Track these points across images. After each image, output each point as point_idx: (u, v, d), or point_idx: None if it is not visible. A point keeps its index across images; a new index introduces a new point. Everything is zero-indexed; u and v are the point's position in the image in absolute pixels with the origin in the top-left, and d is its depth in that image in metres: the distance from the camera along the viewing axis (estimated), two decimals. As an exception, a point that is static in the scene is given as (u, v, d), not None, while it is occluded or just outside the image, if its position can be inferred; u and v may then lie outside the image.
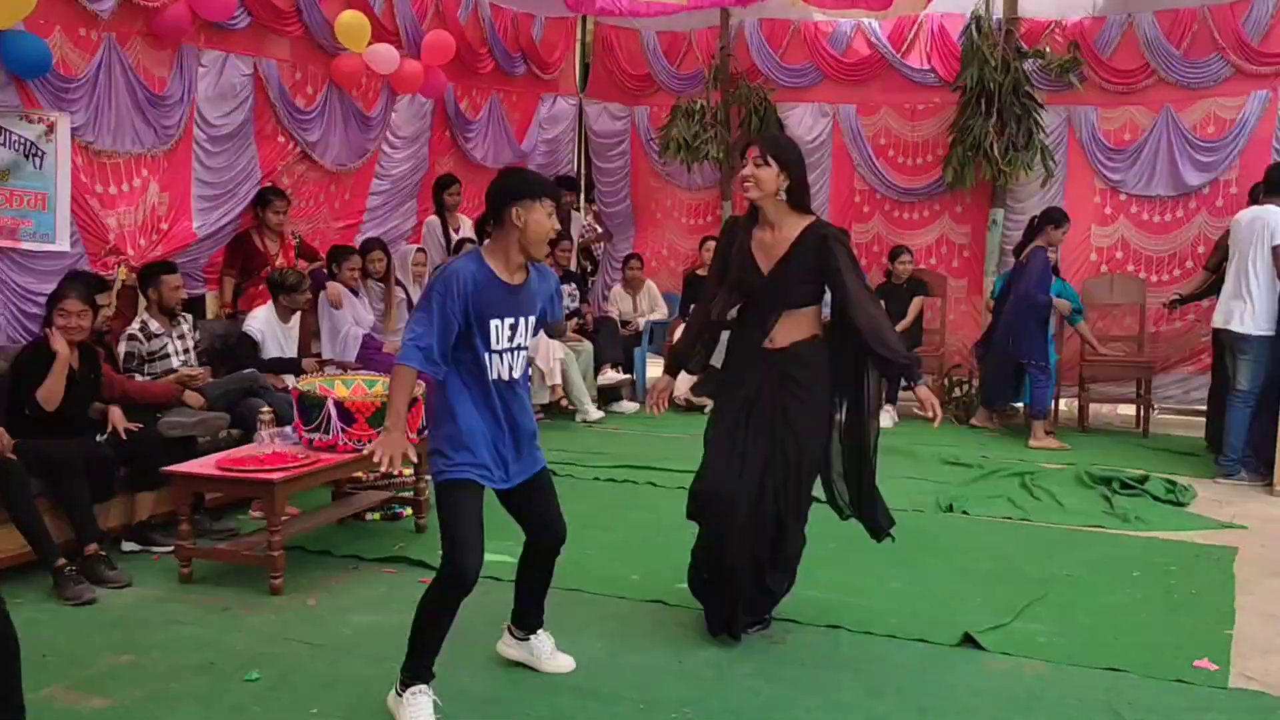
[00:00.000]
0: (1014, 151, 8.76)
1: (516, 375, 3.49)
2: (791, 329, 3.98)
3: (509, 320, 3.42)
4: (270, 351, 6.45)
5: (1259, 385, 6.63)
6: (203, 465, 4.95)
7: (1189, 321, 8.71)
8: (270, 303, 6.56)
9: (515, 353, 3.47)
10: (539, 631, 3.87)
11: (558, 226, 3.52)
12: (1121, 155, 8.91)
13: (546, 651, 3.87)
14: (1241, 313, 6.67)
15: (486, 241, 3.50)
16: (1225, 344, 6.88)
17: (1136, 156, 8.88)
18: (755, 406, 3.97)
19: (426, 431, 3.77)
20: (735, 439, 3.98)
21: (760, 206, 3.96)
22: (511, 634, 3.88)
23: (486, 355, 3.39)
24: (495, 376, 3.42)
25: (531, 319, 3.52)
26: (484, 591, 3.68)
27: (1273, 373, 6.62)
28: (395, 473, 3.59)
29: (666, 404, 4.26)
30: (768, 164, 3.91)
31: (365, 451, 3.54)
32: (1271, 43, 8.29)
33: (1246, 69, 8.40)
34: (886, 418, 8.55)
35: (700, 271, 9.67)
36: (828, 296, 4.00)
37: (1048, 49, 8.92)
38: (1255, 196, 7.44)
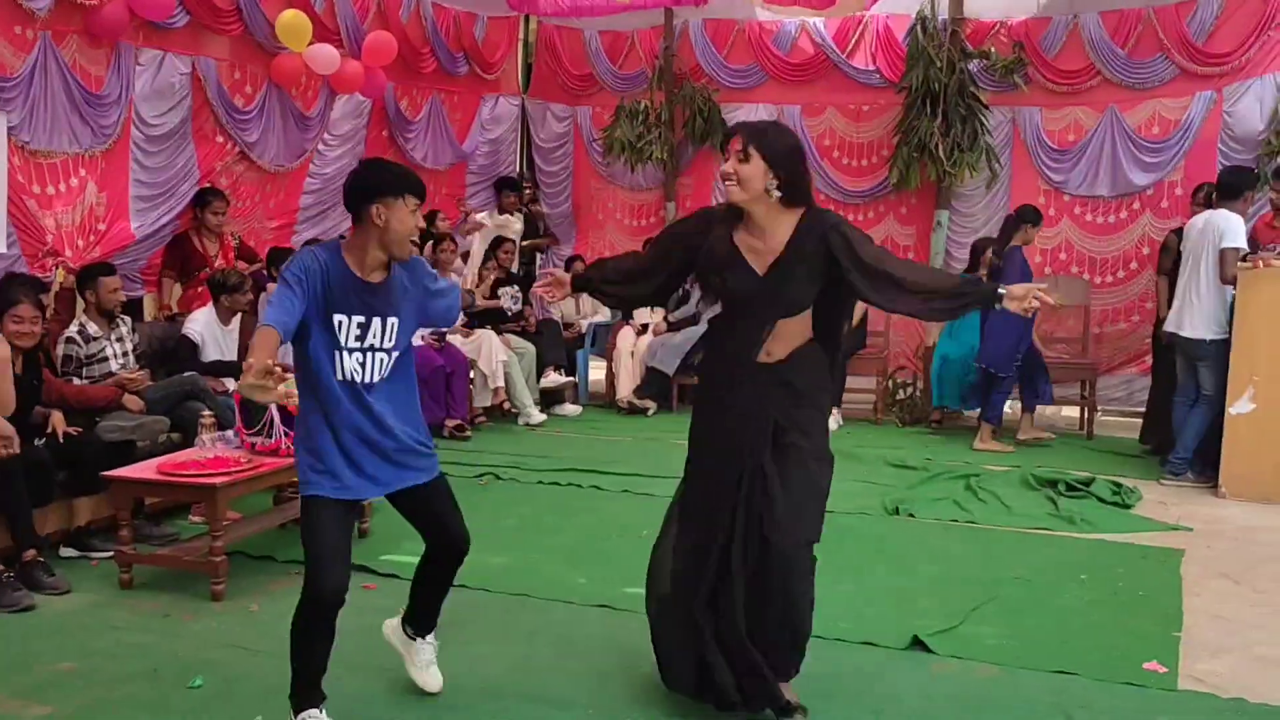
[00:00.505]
0: (959, 152, 8.81)
1: (375, 379, 3.26)
2: (789, 337, 3.38)
3: (358, 319, 3.20)
4: (210, 354, 6.34)
5: (1223, 388, 6.57)
6: (143, 470, 4.88)
7: (1133, 323, 8.79)
8: (210, 304, 6.45)
9: (370, 354, 3.24)
10: (428, 637, 3.72)
11: (422, 225, 3.31)
12: (1066, 156, 8.99)
13: (423, 660, 3.69)
14: (1193, 318, 6.69)
15: (344, 238, 3.30)
16: (1181, 350, 6.85)
17: (1080, 157, 8.95)
18: (744, 440, 3.36)
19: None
20: (714, 513, 3.37)
21: (746, 209, 3.30)
22: (405, 627, 3.72)
23: (335, 353, 3.18)
24: (344, 378, 3.20)
25: (392, 320, 3.27)
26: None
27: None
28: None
29: (550, 294, 3.72)
30: (752, 158, 3.23)
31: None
32: (1216, 43, 8.36)
33: (1191, 69, 8.47)
34: (831, 420, 8.61)
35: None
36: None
37: (993, 50, 8.96)
38: (1198, 198, 7.54)
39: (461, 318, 8.38)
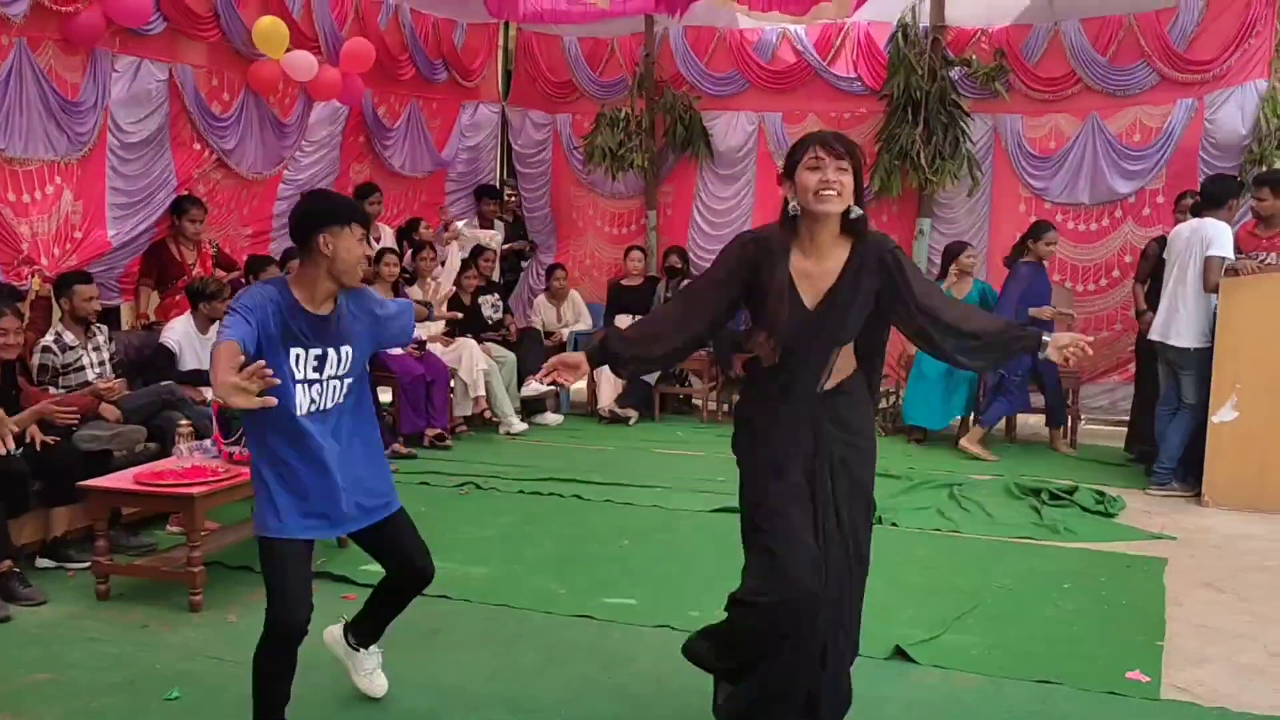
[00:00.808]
0: (941, 160, 8.79)
1: (328, 407, 3.25)
2: (840, 369, 3.14)
3: (314, 351, 3.20)
4: (188, 363, 6.28)
5: (1206, 398, 6.57)
6: (119, 480, 4.86)
7: (1116, 331, 8.78)
8: (188, 313, 6.40)
9: (326, 384, 3.23)
10: (371, 647, 3.71)
11: (369, 252, 3.32)
12: (1047, 163, 8.97)
13: (367, 668, 3.69)
14: (1179, 326, 6.69)
15: (290, 270, 3.30)
16: (1165, 358, 6.85)
17: (1062, 164, 8.91)
18: (816, 475, 3.10)
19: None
20: (801, 518, 3.08)
21: (818, 226, 3.03)
22: (346, 636, 3.70)
23: (294, 386, 3.15)
24: (304, 411, 3.18)
25: (346, 350, 3.27)
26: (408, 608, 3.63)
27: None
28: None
29: (564, 380, 3.24)
30: (847, 170, 2.99)
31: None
32: (1197, 51, 8.35)
33: (1172, 77, 8.46)
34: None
35: (626, 281, 9.67)
36: None
37: (974, 57, 8.92)
38: (1181, 206, 7.55)
39: (443, 326, 8.37)
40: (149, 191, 6.84)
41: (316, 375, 3.20)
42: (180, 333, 6.33)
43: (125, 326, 6.82)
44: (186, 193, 7.04)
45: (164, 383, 6.00)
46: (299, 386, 3.16)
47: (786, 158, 3.14)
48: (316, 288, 3.21)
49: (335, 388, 3.26)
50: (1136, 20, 8.54)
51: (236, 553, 5.21)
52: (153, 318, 6.84)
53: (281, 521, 3.17)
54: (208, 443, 5.19)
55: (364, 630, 3.67)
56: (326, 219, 3.19)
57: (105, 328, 5.94)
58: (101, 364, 5.77)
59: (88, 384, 5.60)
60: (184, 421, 5.33)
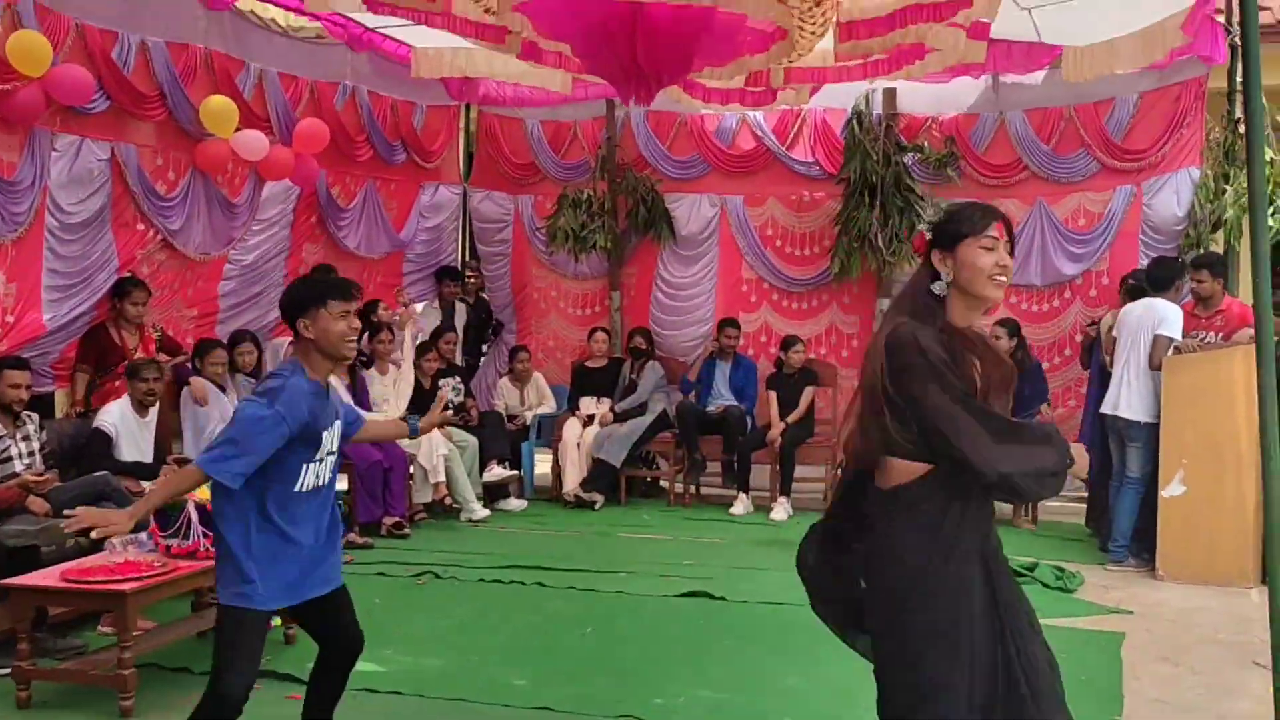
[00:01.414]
0: (898, 242, 8.87)
1: (324, 483, 3.39)
2: None
3: (330, 428, 3.39)
4: (124, 449, 6.04)
5: (1150, 472, 6.79)
6: (46, 577, 4.62)
7: (1070, 407, 8.84)
8: (125, 396, 6.19)
9: (327, 459, 3.38)
10: None
11: (355, 325, 3.40)
12: (999, 245, 9.07)
13: None
14: (1131, 399, 6.86)
15: (294, 349, 3.44)
16: (1114, 431, 7.04)
17: (1012, 247, 8.99)
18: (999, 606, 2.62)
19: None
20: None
21: (972, 312, 2.73)
22: None
23: (305, 465, 3.28)
24: (302, 487, 3.30)
25: (339, 425, 3.45)
26: (357, 703, 3.51)
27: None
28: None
29: None
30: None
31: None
32: (1133, 140, 8.58)
33: (1111, 165, 8.68)
34: (780, 510, 8.46)
35: (590, 363, 9.55)
36: None
37: (926, 144, 9.11)
38: (1125, 287, 7.72)
39: (401, 410, 8.20)
40: (88, 273, 6.65)
41: (329, 451, 3.39)
42: (117, 416, 6.11)
43: (59, 414, 6.57)
44: (129, 274, 6.85)
45: (98, 473, 5.76)
46: (312, 464, 3.31)
47: (945, 225, 2.76)
48: (316, 365, 3.36)
49: (331, 464, 3.42)
50: (1076, 111, 8.75)
51: (174, 653, 4.96)
52: (88, 405, 6.59)
53: (262, 592, 3.21)
54: (143, 536, 4.97)
55: None
56: (300, 306, 3.34)
57: (36, 416, 5.72)
58: (31, 455, 5.55)
59: (15, 476, 5.36)
60: (119, 514, 5.11)
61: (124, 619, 4.39)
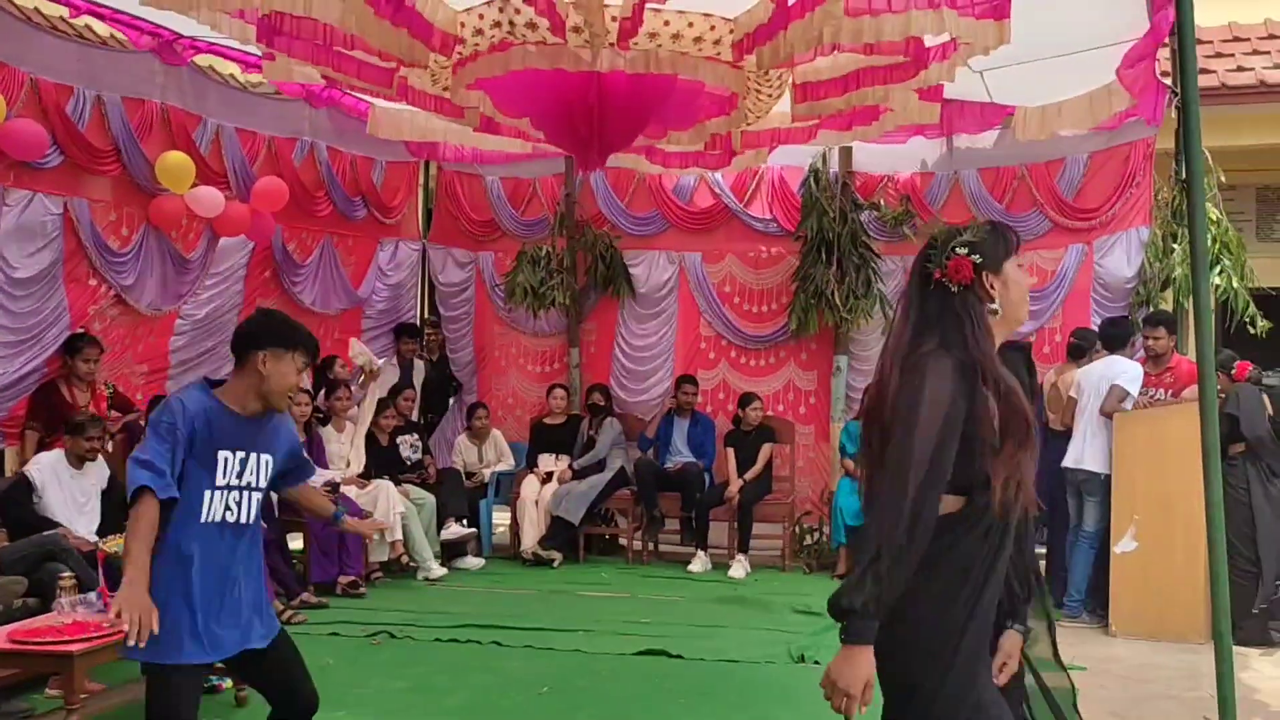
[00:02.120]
0: (854, 299, 8.94)
1: (242, 519, 3.22)
2: None
3: (240, 454, 3.23)
4: (50, 499, 5.89)
5: (1105, 527, 6.86)
6: (-10, 639, 4.47)
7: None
8: (61, 449, 6.09)
9: (243, 493, 3.21)
10: None
11: (305, 385, 3.34)
12: (957, 303, 9.16)
13: None
14: (1094, 452, 6.95)
15: (225, 382, 3.31)
16: (1074, 484, 7.11)
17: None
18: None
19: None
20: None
21: (1006, 335, 2.64)
22: None
23: (206, 493, 3.13)
24: (209, 519, 3.14)
25: (267, 459, 3.29)
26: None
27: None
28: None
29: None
30: None
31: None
32: (1084, 199, 8.70)
33: (1063, 224, 8.78)
34: (739, 568, 8.42)
35: (549, 420, 9.51)
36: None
37: (882, 202, 9.20)
38: (1078, 351, 7.76)
39: (359, 467, 8.12)
40: (39, 329, 6.57)
41: (237, 481, 3.21)
42: (47, 466, 5.98)
43: (8, 472, 6.47)
44: (81, 330, 6.77)
45: (48, 531, 5.65)
46: (217, 493, 3.16)
47: (993, 245, 2.56)
48: (245, 400, 3.24)
49: (254, 500, 3.26)
50: (1028, 170, 8.89)
51: (123, 716, 4.79)
52: (37, 464, 6.48)
53: (176, 645, 3.04)
54: (92, 596, 4.84)
55: None
56: (273, 339, 3.24)
57: (-20, 474, 5.61)
58: (-25, 513, 5.42)
59: (-42, 535, 5.25)
60: (67, 573, 4.99)
61: (71, 681, 4.30)
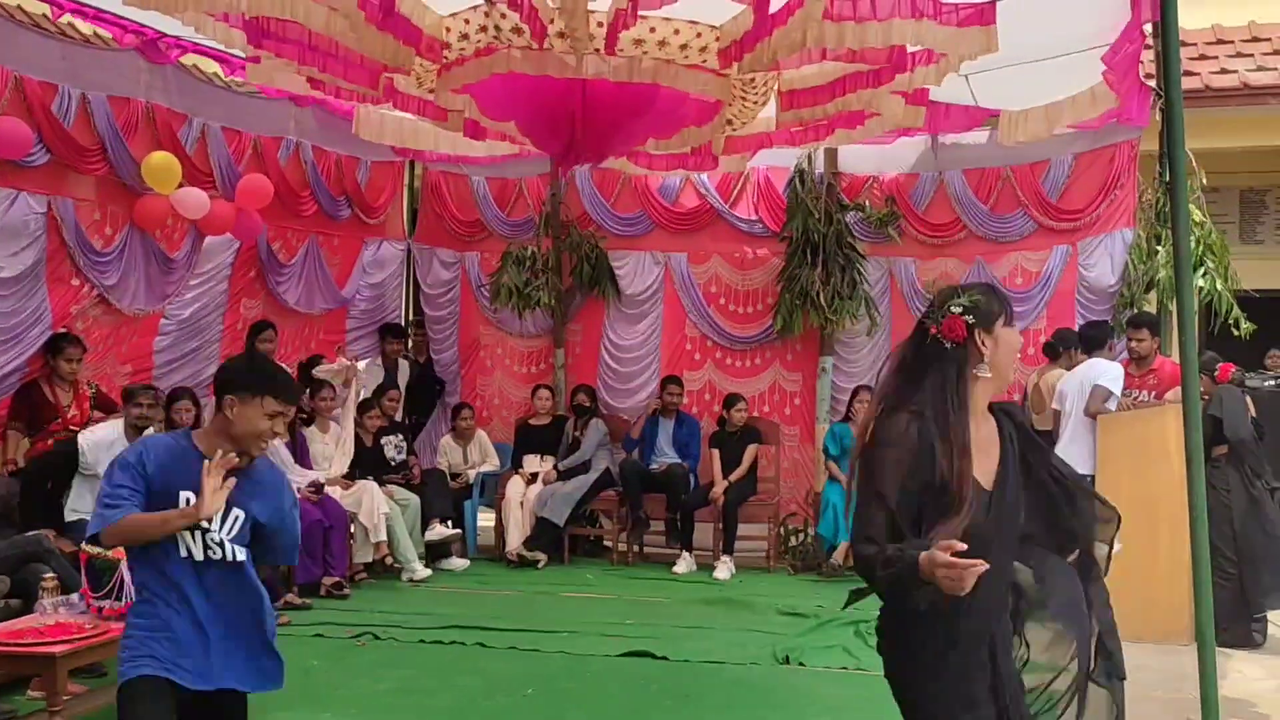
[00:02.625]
0: (839, 300, 8.95)
1: (220, 556, 3.15)
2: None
3: (198, 495, 3.11)
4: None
5: None
6: (-27, 638, 4.46)
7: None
8: (115, 421, 6.16)
9: (216, 536, 3.15)
10: None
11: (279, 431, 3.31)
12: (940, 305, 9.18)
13: None
14: (1082, 453, 6.91)
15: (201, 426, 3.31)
16: None
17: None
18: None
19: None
20: None
21: (978, 393, 2.68)
22: None
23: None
24: (186, 554, 3.11)
25: (238, 513, 3.17)
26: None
27: None
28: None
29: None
30: None
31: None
32: (1069, 201, 8.73)
33: (1048, 225, 8.82)
34: (723, 569, 8.43)
35: (534, 420, 9.49)
36: None
37: (867, 203, 9.21)
38: (1052, 350, 7.88)
39: (343, 468, 8.09)
40: (20, 329, 6.53)
41: (205, 524, 3.12)
42: (103, 437, 6.05)
43: (-8, 471, 6.42)
44: (64, 330, 6.73)
45: (31, 533, 5.63)
46: (186, 532, 3.09)
47: (987, 305, 2.69)
48: (213, 443, 3.17)
49: (227, 550, 3.18)
50: (1013, 172, 8.92)
51: (106, 717, 4.72)
52: (21, 463, 6.44)
53: (131, 657, 3.06)
54: (74, 597, 4.85)
55: None
56: (240, 384, 3.20)
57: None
58: (-41, 512, 5.40)
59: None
60: (49, 575, 4.97)
61: (54, 682, 4.29)
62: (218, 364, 8.14)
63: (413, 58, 5.26)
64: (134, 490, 3.06)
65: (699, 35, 5.35)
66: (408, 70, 5.55)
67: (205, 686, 3.12)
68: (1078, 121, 7.50)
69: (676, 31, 5.34)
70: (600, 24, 5.13)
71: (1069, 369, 7.40)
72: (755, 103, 6.30)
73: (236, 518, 3.18)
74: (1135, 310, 8.01)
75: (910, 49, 5.53)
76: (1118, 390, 6.90)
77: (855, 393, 8.77)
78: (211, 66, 7.86)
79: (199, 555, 3.12)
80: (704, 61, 5.50)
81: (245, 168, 8.13)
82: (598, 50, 5.28)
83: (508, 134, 6.66)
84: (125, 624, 3.13)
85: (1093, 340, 7.29)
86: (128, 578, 4.59)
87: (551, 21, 5.08)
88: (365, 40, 5.02)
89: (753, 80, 5.88)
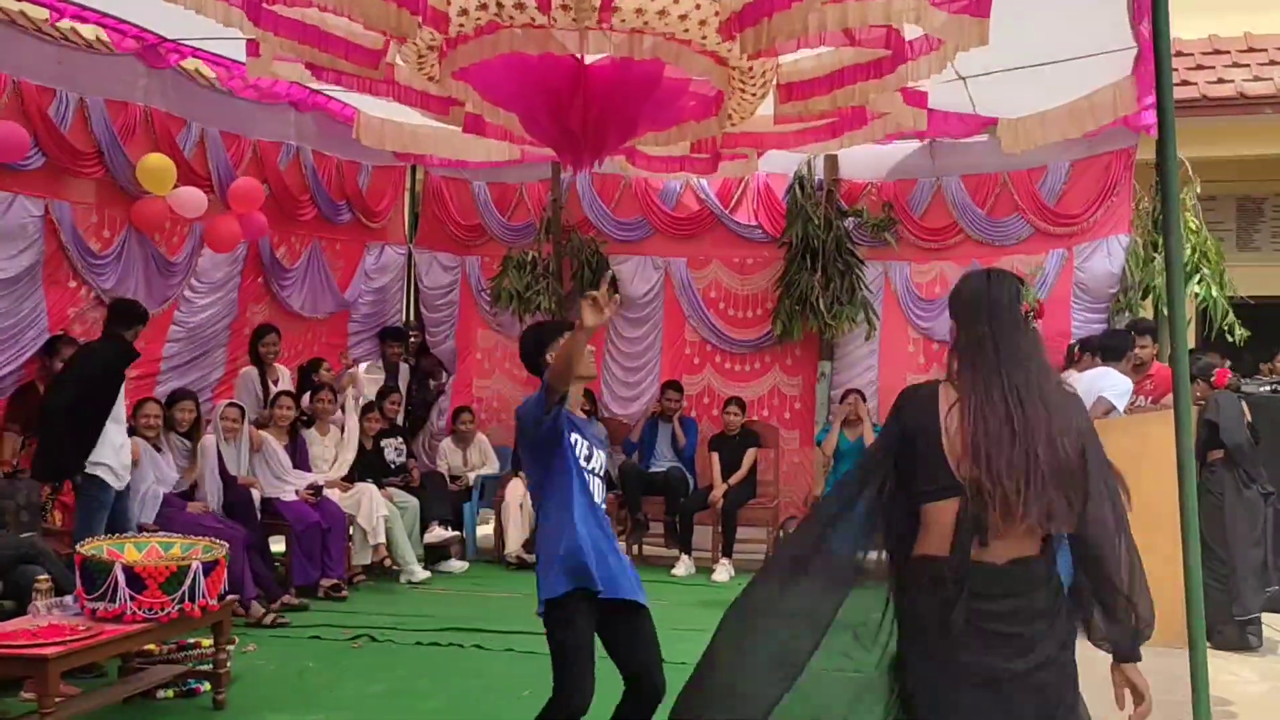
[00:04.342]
0: (838, 305, 8.99)
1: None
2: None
3: (584, 443, 4.03)
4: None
5: None
6: (-35, 639, 4.44)
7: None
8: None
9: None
10: None
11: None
12: (933, 305, 9.17)
13: None
14: None
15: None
16: None
17: (946, 307, 9.11)
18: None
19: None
20: None
21: None
22: None
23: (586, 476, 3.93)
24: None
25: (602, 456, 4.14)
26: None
27: None
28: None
29: None
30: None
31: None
32: (1066, 205, 8.75)
33: (1044, 229, 8.84)
34: (722, 571, 8.44)
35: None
36: None
37: (865, 209, 9.25)
38: (1072, 355, 7.81)
39: (342, 470, 8.11)
40: (16, 331, 6.55)
41: (585, 465, 3.97)
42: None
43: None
44: (61, 333, 6.75)
45: (24, 535, 5.65)
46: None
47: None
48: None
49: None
50: (1010, 177, 8.94)
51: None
52: (16, 464, 6.45)
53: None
54: (68, 599, 4.86)
55: None
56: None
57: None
58: (-43, 514, 5.41)
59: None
60: (42, 576, 4.98)
61: (45, 684, 4.26)
62: (223, 369, 8.25)
63: (415, 25, 5.18)
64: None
65: (698, 6, 5.30)
66: (411, 38, 5.47)
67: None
68: (1078, 134, 7.47)
69: (676, 1, 5.29)
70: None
71: (1080, 372, 7.30)
72: (754, 95, 6.26)
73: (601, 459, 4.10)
74: (1130, 315, 8.04)
75: (908, 37, 5.50)
76: (1121, 406, 6.80)
77: (844, 395, 8.84)
78: (211, 74, 7.87)
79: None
80: (704, 38, 5.46)
81: (244, 173, 8.15)
82: (600, 23, 5.22)
83: (508, 130, 6.64)
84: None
85: (1111, 350, 7.21)
86: (121, 579, 4.61)
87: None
88: (367, 8, 4.96)
89: (751, 70, 5.85)
